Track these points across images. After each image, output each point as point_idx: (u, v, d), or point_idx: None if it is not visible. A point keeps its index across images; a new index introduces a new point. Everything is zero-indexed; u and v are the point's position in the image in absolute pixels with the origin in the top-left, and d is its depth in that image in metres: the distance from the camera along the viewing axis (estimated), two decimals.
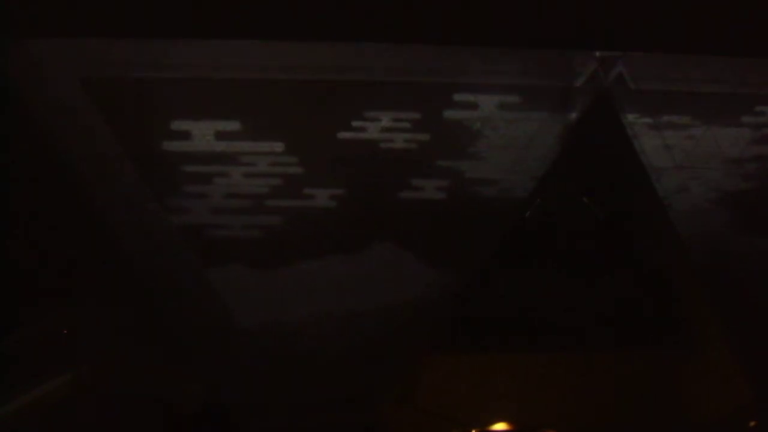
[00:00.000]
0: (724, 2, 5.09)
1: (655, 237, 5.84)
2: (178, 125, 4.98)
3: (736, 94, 5.33)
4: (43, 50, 4.86)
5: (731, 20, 5.08)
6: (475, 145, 5.19)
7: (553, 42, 5.10)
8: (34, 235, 5.26)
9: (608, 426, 5.80)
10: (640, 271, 6.04)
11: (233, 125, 5.01)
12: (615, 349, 5.96)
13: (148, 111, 4.96)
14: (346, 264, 5.20)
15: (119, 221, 5.08)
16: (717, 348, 5.78)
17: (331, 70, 5.01)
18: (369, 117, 5.09)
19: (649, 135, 5.32)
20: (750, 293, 5.50)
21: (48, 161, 5.02)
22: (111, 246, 5.10)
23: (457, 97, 5.12)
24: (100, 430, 5.15)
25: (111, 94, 4.92)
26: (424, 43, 5.04)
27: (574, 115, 5.23)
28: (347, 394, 5.28)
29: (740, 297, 5.51)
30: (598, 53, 5.21)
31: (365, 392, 5.34)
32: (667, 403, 5.91)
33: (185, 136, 5.00)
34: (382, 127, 5.10)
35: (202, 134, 5.01)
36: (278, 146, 5.06)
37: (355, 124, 5.09)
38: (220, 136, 5.02)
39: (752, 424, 5.62)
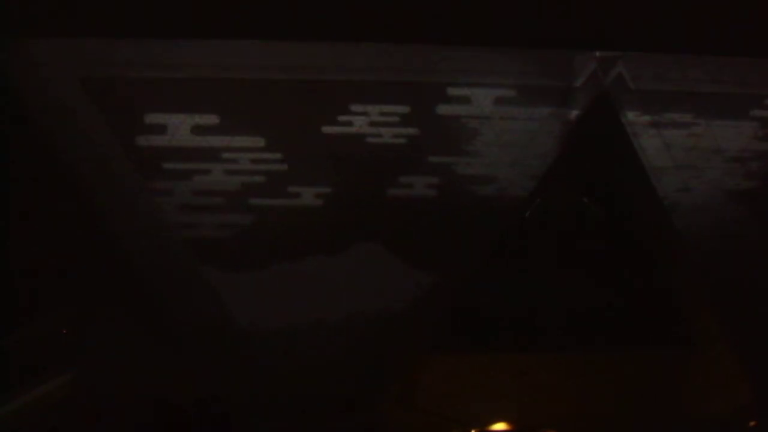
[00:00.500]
0: (724, 2, 5.10)
1: (655, 237, 5.84)
2: (178, 125, 5.00)
3: (736, 94, 5.33)
4: (43, 50, 4.87)
5: (731, 20, 5.09)
6: (474, 144, 5.19)
7: (553, 42, 5.11)
8: (34, 235, 5.26)
9: (608, 426, 5.79)
10: (640, 270, 6.03)
11: (226, 122, 5.02)
12: (615, 349, 5.96)
13: (148, 110, 4.97)
14: (345, 263, 5.19)
15: (119, 221, 5.08)
16: (717, 348, 5.78)
17: (331, 69, 5.02)
18: (356, 111, 5.09)
19: (649, 134, 5.32)
20: (750, 293, 5.50)
21: (48, 161, 5.02)
22: (111, 246, 5.10)
23: (452, 91, 5.12)
24: (100, 430, 5.15)
25: (111, 94, 4.92)
26: (424, 43, 5.04)
27: (573, 115, 5.24)
28: (347, 395, 5.28)
29: (740, 297, 5.51)
30: (598, 53, 5.22)
31: (365, 393, 5.34)
32: (667, 403, 5.90)
33: (185, 135, 5.02)
34: (371, 122, 5.09)
35: (203, 135, 5.02)
36: (260, 141, 5.04)
37: (341, 118, 5.08)
38: (206, 131, 5.02)
39: (752, 424, 5.63)
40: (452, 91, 5.12)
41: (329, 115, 5.05)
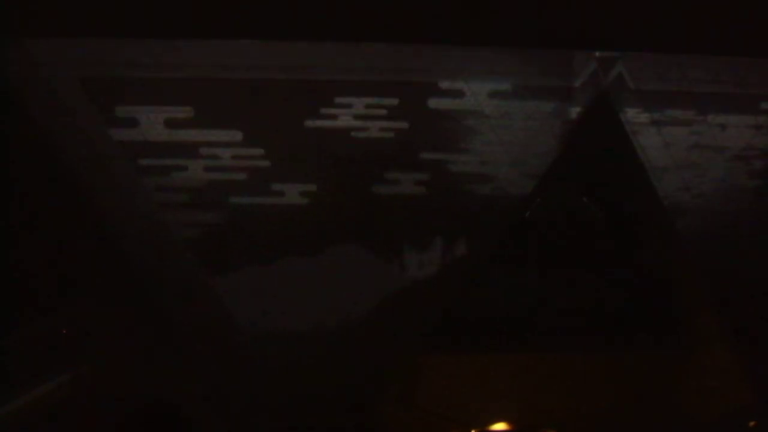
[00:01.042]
0: (724, 2, 5.10)
1: (655, 237, 5.84)
2: (176, 123, 4.99)
3: (736, 94, 5.34)
4: (43, 50, 4.87)
5: (731, 20, 5.09)
6: (473, 143, 5.19)
7: (553, 42, 5.10)
8: (34, 235, 5.26)
9: (608, 426, 5.79)
10: (640, 271, 6.03)
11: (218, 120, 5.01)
12: (615, 349, 5.95)
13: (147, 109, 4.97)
14: (343, 263, 5.19)
15: (119, 221, 5.08)
16: (717, 348, 5.78)
17: (330, 69, 5.02)
18: (341, 103, 5.06)
19: (649, 134, 5.33)
20: (750, 293, 5.50)
21: (48, 161, 5.01)
22: (111, 246, 5.10)
23: (446, 85, 5.11)
24: (100, 430, 5.15)
25: (111, 94, 4.92)
26: (423, 43, 5.04)
27: (573, 115, 5.24)
28: (347, 395, 5.28)
29: (740, 297, 5.51)
30: (598, 53, 5.22)
31: (365, 392, 5.34)
32: (667, 403, 5.90)
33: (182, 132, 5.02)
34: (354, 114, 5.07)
35: (202, 133, 5.02)
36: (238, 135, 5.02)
37: (324, 111, 5.05)
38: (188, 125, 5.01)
39: (752, 424, 5.62)
40: (446, 85, 5.11)
41: (313, 108, 5.01)
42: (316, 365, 5.23)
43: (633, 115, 5.29)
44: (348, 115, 5.06)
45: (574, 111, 5.22)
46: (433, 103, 5.12)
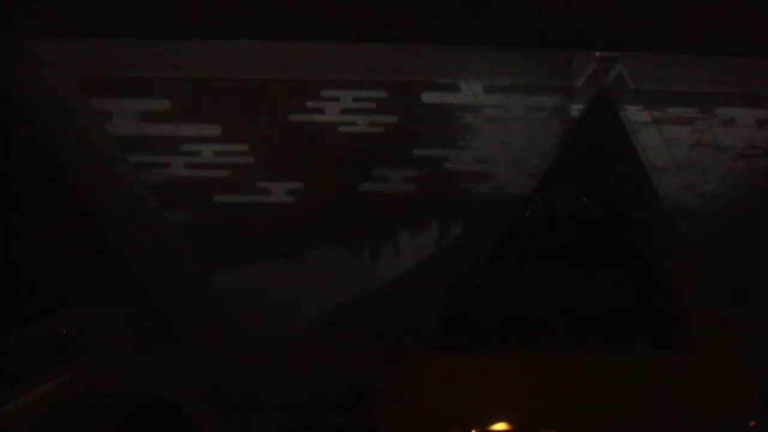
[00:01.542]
0: (724, 2, 5.10)
1: (655, 237, 5.84)
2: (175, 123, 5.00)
3: (736, 94, 5.34)
4: (43, 50, 4.87)
5: (731, 20, 5.09)
6: (472, 142, 5.20)
7: (553, 42, 5.11)
8: (34, 235, 5.26)
9: (608, 426, 5.79)
10: (640, 271, 6.03)
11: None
12: (615, 349, 5.96)
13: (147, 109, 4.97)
14: (342, 263, 5.19)
15: (119, 221, 5.08)
16: (717, 348, 5.78)
17: (331, 69, 5.02)
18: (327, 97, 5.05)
19: (649, 134, 5.33)
20: (750, 293, 5.50)
21: (48, 161, 5.01)
22: (111, 246, 5.10)
23: (443, 81, 5.11)
24: (100, 430, 5.15)
25: (111, 94, 4.92)
26: (423, 43, 5.04)
27: (574, 115, 5.24)
28: (347, 395, 5.28)
29: (740, 297, 5.51)
30: (598, 53, 5.22)
31: (365, 392, 5.34)
32: (667, 402, 5.90)
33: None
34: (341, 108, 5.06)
35: (202, 133, 5.02)
36: (216, 129, 5.01)
37: (310, 104, 5.04)
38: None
39: (752, 424, 5.62)
40: (444, 81, 5.11)
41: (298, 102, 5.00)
42: (315, 365, 5.23)
43: (633, 114, 5.29)
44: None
45: (575, 110, 5.23)
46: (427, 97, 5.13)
